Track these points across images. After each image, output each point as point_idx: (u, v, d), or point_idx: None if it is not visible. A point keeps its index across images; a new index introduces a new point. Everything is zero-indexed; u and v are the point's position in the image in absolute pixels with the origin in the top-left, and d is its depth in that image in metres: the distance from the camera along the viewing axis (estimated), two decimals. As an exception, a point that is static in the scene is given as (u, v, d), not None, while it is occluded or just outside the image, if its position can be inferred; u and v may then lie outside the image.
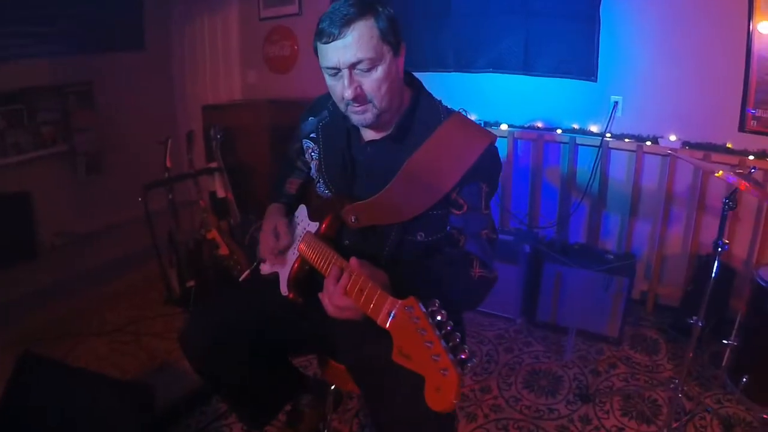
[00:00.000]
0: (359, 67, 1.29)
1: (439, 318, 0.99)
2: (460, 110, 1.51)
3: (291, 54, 3.99)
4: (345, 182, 1.53)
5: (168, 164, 3.08)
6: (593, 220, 3.33)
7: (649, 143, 3.04)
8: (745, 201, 2.85)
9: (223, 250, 3.24)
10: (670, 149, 2.93)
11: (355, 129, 1.50)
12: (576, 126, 3.25)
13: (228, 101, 4.21)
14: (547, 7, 3.10)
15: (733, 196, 2.05)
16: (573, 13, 3.04)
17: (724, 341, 2.27)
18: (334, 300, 1.24)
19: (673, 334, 2.96)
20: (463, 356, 0.93)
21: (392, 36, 1.33)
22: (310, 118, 1.64)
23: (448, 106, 1.51)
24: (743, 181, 1.94)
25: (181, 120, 4.25)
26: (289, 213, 1.72)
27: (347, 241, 1.52)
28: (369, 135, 1.50)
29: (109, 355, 2.71)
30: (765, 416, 2.16)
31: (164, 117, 4.23)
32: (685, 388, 2.30)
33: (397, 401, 1.32)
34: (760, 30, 2.66)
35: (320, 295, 1.30)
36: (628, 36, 3.03)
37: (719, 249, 2.10)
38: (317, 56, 1.37)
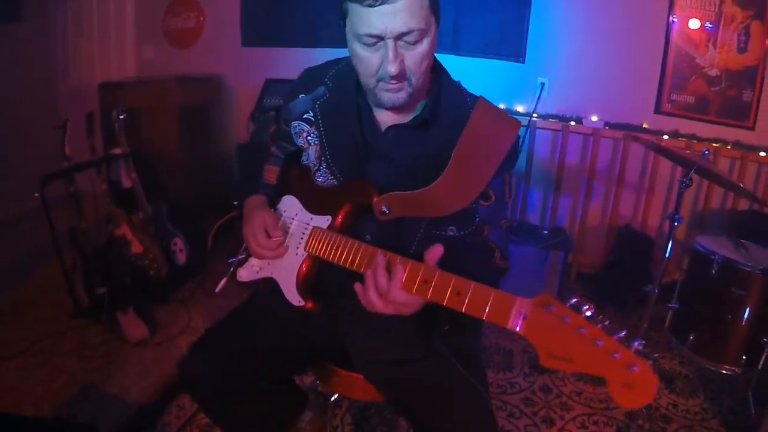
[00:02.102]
0: (406, 38, 1.12)
1: (588, 312, 0.92)
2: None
3: (196, 26, 3.62)
4: (357, 170, 1.35)
5: (67, 152, 2.61)
6: (519, 196, 3.47)
7: (573, 123, 3.22)
8: (661, 175, 3.16)
9: (136, 248, 2.85)
10: (594, 129, 3.13)
11: (367, 109, 1.33)
12: (503, 106, 3.34)
13: (126, 79, 3.70)
14: (478, -11, 3.13)
15: (688, 175, 2.21)
16: (505, -4, 3.10)
17: (669, 305, 2.48)
18: (400, 301, 1.10)
19: (601, 301, 3.19)
20: (640, 347, 0.88)
21: (437, 5, 1.17)
22: (300, 96, 1.41)
23: (468, 89, 1.39)
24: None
25: (67, 101, 3.63)
26: (271, 206, 1.48)
27: (368, 236, 1.33)
28: (389, 118, 1.33)
29: (20, 384, 2.23)
30: (712, 368, 2.39)
31: (46, 98, 3.58)
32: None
33: (432, 404, 1.24)
34: (678, 23, 2.93)
35: (373, 296, 1.12)
36: (556, 20, 3.17)
37: (674, 224, 2.26)
38: (342, 19, 1.18)
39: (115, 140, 2.91)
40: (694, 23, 2.98)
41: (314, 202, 1.37)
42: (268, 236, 1.34)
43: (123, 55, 3.82)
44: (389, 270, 1.12)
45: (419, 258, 1.14)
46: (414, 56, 1.16)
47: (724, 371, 2.36)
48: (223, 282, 1.48)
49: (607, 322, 0.92)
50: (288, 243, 1.36)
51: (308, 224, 1.34)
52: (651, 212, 3.28)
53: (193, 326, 2.72)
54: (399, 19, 1.09)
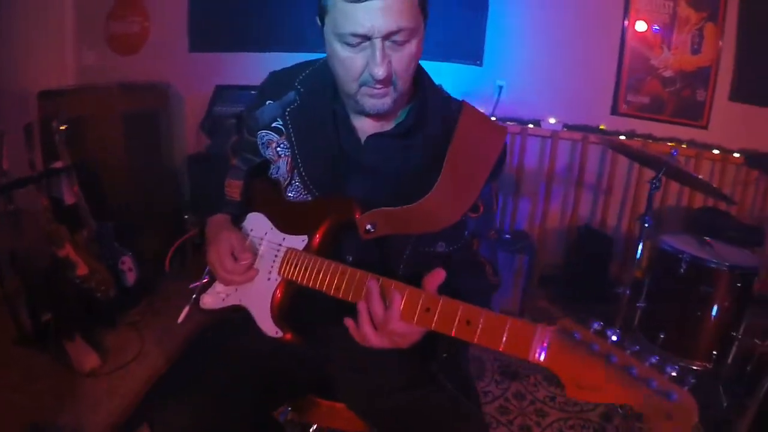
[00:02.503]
0: (394, 38, 1.03)
1: (614, 338, 0.84)
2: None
3: (141, 31, 3.41)
4: (334, 183, 1.23)
5: (5, 166, 2.39)
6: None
7: (531, 126, 3.23)
8: (618, 175, 3.22)
9: (82, 269, 2.64)
10: (552, 131, 3.16)
11: (344, 116, 1.22)
12: (462, 110, 3.32)
13: (67, 86, 3.44)
14: (438, -9, 3.09)
15: (659, 176, 2.23)
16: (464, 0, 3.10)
17: (637, 304, 2.50)
18: (398, 332, 1.00)
19: (562, 302, 3.22)
20: (674, 373, 0.81)
21: (426, 2, 1.08)
22: (267, 103, 1.27)
23: (450, 94, 1.31)
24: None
25: (3, 111, 3.31)
26: (235, 225, 1.34)
27: (350, 257, 1.21)
28: (369, 126, 1.21)
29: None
30: (682, 365, 2.42)
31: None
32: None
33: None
34: (633, 25, 3.04)
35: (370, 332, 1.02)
36: (513, 24, 3.18)
37: (645, 225, 2.28)
38: (321, 16, 1.08)
39: (55, 153, 2.70)
40: (649, 26, 3.07)
41: (286, 220, 1.23)
42: (236, 259, 1.19)
43: (62, 61, 3.56)
44: (384, 297, 1.01)
45: (409, 280, 1.04)
46: (401, 58, 1.06)
47: (695, 367, 2.39)
48: (185, 311, 1.31)
49: (637, 348, 0.85)
50: (258, 266, 1.21)
51: (280, 245, 1.20)
52: (609, 212, 3.34)
53: (146, 351, 2.54)
54: (388, 17, 0.99)
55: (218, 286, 1.29)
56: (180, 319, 1.30)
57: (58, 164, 2.70)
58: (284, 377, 1.28)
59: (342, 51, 1.06)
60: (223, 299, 1.27)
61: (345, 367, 1.27)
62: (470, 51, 3.17)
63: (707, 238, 2.53)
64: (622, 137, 3.11)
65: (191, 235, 1.58)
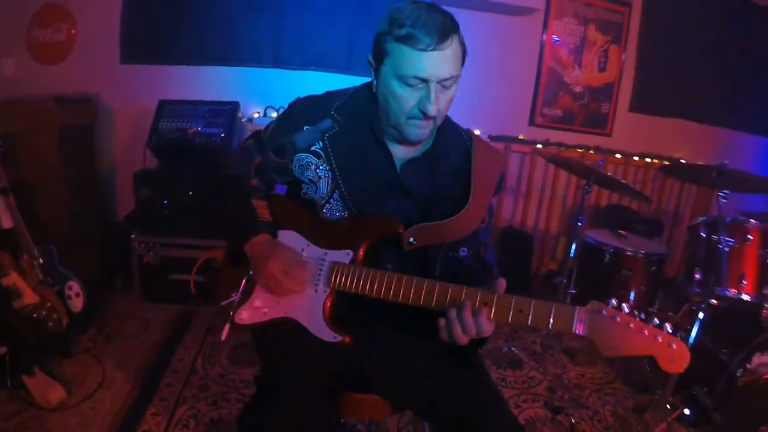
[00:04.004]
0: (445, 83, 1.26)
1: (626, 309, 1.15)
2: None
3: (67, 39, 3.14)
4: (378, 202, 1.41)
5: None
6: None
7: (460, 137, 3.50)
8: (536, 180, 3.62)
9: (30, 298, 2.45)
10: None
11: (383, 142, 1.40)
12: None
13: None
14: (372, 12, 3.24)
15: (589, 182, 2.62)
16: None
17: (568, 290, 2.88)
18: (484, 329, 1.21)
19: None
20: (670, 329, 1.12)
21: (465, 56, 1.32)
22: (305, 128, 1.41)
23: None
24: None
25: None
26: None
27: (390, 265, 1.39)
28: (401, 152, 1.42)
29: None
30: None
31: None
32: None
33: (472, 415, 1.29)
34: (549, 46, 3.42)
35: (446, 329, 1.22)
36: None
37: (578, 224, 2.66)
38: (378, 56, 1.29)
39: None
40: (563, 47, 3.50)
41: (326, 237, 1.39)
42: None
43: (-24, 71, 3.15)
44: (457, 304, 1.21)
45: (444, 278, 1.27)
46: (446, 99, 1.29)
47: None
48: (226, 328, 1.39)
49: (642, 315, 1.15)
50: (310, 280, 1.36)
51: (324, 259, 1.36)
52: (528, 213, 3.75)
53: (110, 377, 2.44)
54: (446, 66, 1.23)
55: (257, 301, 1.40)
56: (223, 337, 1.39)
57: (-5, 186, 2.47)
58: (338, 378, 1.39)
59: (400, 89, 1.26)
60: (265, 313, 1.38)
61: (383, 360, 1.41)
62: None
63: (621, 231, 2.97)
64: (539, 146, 3.52)
65: (210, 256, 1.62)
